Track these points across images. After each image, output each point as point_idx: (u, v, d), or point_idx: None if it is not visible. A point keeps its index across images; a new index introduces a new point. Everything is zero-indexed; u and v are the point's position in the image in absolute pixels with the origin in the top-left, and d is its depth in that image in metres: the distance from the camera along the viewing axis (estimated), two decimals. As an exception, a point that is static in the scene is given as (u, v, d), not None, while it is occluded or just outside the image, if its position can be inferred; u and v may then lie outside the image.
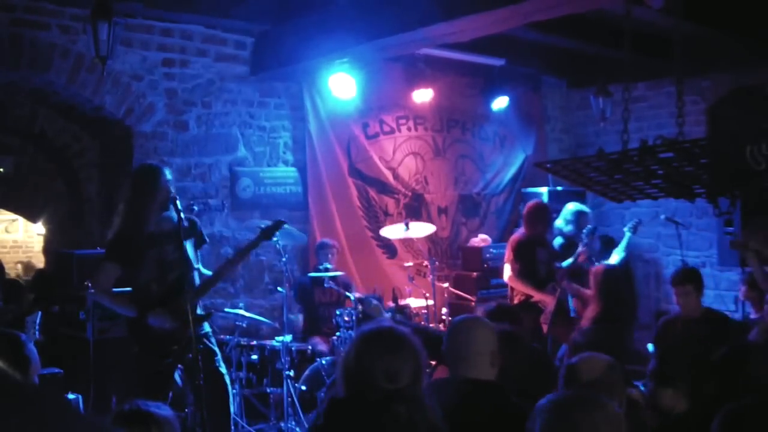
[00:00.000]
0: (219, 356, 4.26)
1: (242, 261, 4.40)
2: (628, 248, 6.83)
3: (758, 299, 5.70)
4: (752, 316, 5.85)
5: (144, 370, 4.12)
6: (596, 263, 6.54)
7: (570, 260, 6.28)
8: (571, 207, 6.65)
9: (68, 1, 5.49)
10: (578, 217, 6.54)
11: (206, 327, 4.26)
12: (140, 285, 4.11)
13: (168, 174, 4.15)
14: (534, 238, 6.17)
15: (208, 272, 4.42)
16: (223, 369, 4.23)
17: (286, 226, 4.54)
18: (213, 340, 4.31)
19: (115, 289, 4.16)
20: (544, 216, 6.26)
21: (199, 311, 4.20)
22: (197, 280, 4.28)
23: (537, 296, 6.08)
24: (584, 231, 6.31)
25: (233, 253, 4.52)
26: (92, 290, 4.13)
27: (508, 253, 6.23)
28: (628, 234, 6.80)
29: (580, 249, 6.23)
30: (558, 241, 6.54)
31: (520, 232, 6.36)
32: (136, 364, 4.18)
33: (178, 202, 3.96)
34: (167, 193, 4.05)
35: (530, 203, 6.57)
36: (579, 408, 1.97)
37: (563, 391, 2.13)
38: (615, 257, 6.77)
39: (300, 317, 6.33)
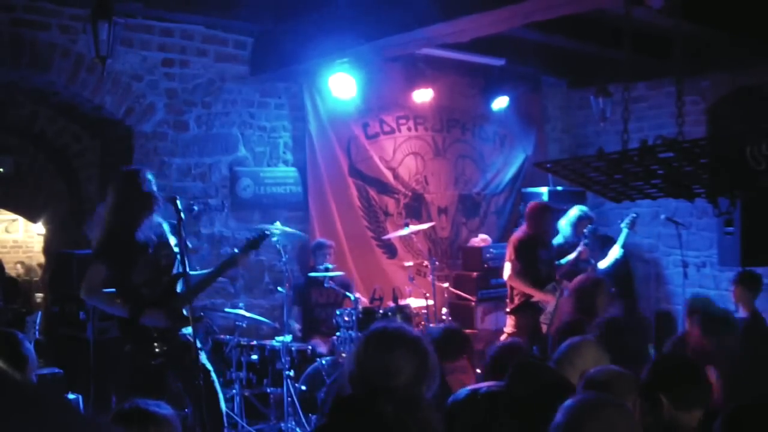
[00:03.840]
0: (203, 353, 4.27)
1: (223, 273, 4.40)
2: (626, 245, 6.88)
3: (749, 299, 5.70)
4: (741, 315, 5.85)
5: (136, 369, 4.13)
6: (593, 263, 6.55)
7: (570, 257, 6.31)
8: (575, 212, 6.65)
9: (68, 1, 5.49)
10: (577, 222, 6.57)
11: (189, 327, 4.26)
12: (131, 288, 4.11)
13: (150, 177, 4.14)
14: (536, 237, 6.17)
15: (201, 272, 4.43)
16: (209, 365, 4.23)
17: (276, 231, 4.54)
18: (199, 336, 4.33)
19: (105, 290, 4.15)
20: (546, 216, 6.26)
21: (185, 313, 4.19)
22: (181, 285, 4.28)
23: (537, 296, 6.08)
24: (585, 230, 6.34)
25: (214, 267, 4.48)
26: (81, 292, 4.09)
27: (509, 252, 6.23)
28: (625, 230, 6.85)
29: (580, 248, 6.25)
30: (557, 240, 6.56)
31: (521, 231, 6.35)
32: (131, 362, 4.19)
33: (178, 202, 3.96)
34: (151, 196, 4.04)
35: (532, 203, 6.59)
36: (599, 407, 2.01)
37: (582, 394, 2.17)
38: (613, 253, 6.79)
39: (296, 326, 6.29)
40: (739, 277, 5.83)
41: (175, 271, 4.06)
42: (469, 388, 2.78)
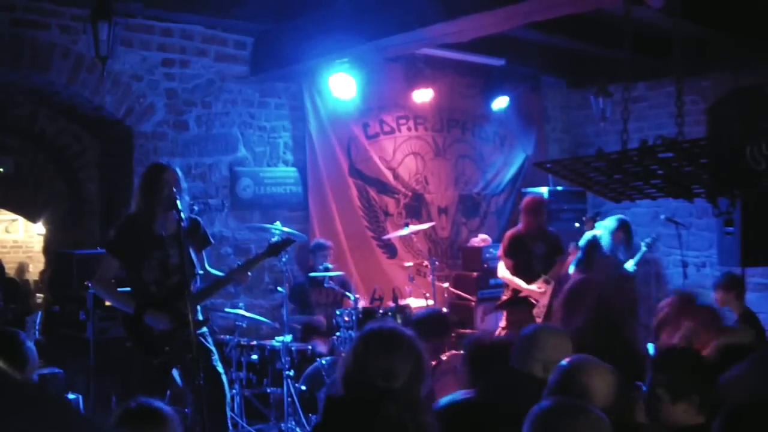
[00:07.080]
0: (216, 355, 4.27)
1: (243, 276, 4.37)
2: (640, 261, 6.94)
3: (734, 300, 5.63)
4: (733, 317, 5.81)
5: (138, 367, 4.14)
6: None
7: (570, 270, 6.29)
8: (612, 222, 6.46)
9: (68, 1, 5.49)
10: (615, 232, 6.37)
11: (203, 328, 4.27)
12: (140, 285, 4.12)
13: (177, 172, 4.15)
14: (528, 232, 6.20)
15: (217, 272, 4.42)
16: (220, 368, 4.23)
17: (276, 231, 4.53)
18: (210, 339, 4.32)
19: (120, 290, 4.18)
20: (539, 210, 6.28)
21: (198, 315, 4.19)
22: (199, 284, 4.28)
23: (525, 291, 6.14)
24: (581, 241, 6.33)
25: (235, 266, 4.47)
26: (90, 282, 4.14)
27: (500, 249, 6.32)
28: (644, 249, 6.93)
29: (569, 251, 6.26)
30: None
31: (514, 228, 6.43)
32: (133, 359, 4.19)
33: (178, 202, 3.94)
34: (173, 192, 4.03)
35: (527, 197, 6.61)
36: (562, 415, 1.99)
37: (550, 398, 2.13)
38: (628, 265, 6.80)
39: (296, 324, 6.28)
40: (716, 282, 5.75)
41: (186, 271, 4.01)
42: (466, 391, 2.77)
